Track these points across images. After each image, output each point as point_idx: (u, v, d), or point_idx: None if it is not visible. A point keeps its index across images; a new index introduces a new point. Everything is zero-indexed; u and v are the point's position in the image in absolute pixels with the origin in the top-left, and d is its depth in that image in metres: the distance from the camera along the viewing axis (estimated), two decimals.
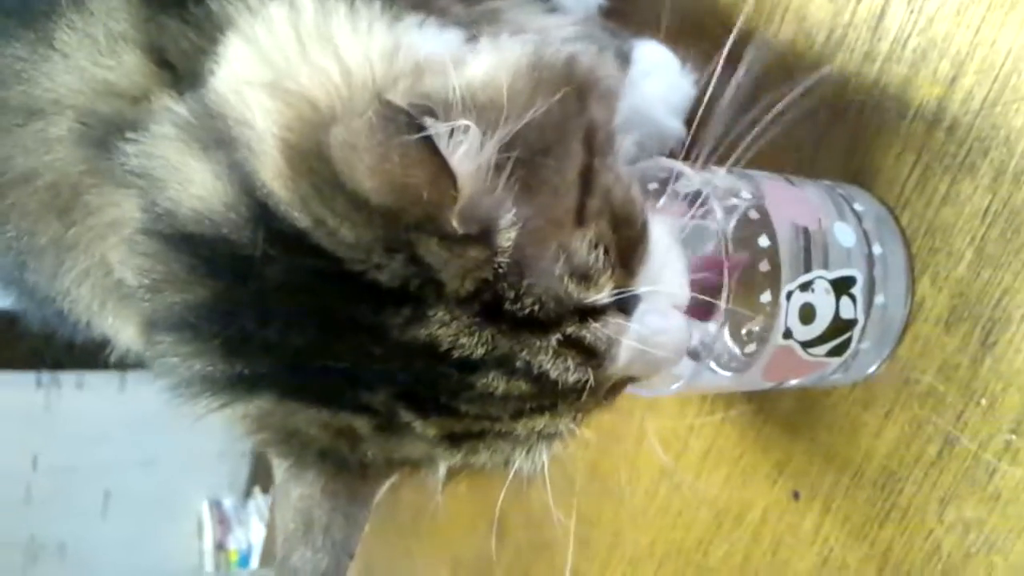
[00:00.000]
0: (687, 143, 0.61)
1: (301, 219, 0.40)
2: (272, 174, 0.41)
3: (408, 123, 0.37)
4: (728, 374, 0.54)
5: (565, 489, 0.83)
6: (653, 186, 0.56)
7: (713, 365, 0.53)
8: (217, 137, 0.43)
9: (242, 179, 0.42)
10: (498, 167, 0.42)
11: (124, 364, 0.56)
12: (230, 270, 0.42)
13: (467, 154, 0.40)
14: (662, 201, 0.55)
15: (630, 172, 0.50)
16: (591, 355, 0.44)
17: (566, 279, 0.43)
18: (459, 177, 0.39)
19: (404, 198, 0.39)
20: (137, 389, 2.49)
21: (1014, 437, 0.51)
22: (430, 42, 0.47)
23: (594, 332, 0.44)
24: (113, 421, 2.57)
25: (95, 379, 2.59)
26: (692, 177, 0.52)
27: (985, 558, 0.52)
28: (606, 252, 0.45)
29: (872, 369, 0.57)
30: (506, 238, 0.41)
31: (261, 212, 0.41)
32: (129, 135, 0.45)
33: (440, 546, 1.15)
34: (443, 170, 0.38)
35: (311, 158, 0.40)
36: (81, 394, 2.61)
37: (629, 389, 0.52)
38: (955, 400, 0.53)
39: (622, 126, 0.55)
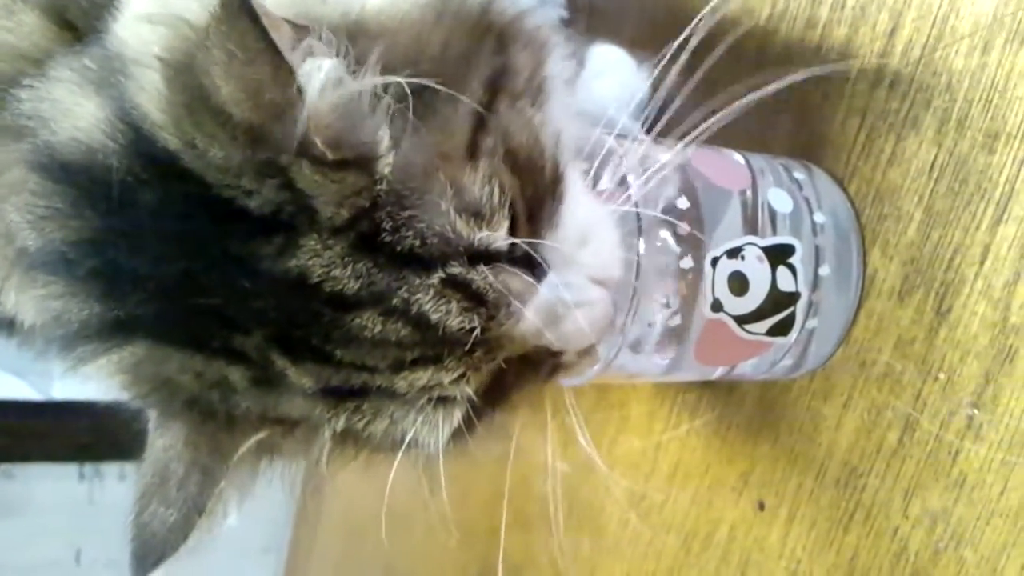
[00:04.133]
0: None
1: (171, 140, 0.38)
2: (148, 96, 0.39)
3: (253, 19, 0.34)
4: (656, 356, 0.49)
5: (545, 525, 0.78)
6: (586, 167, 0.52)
7: (643, 347, 0.49)
8: (111, 76, 0.41)
9: (120, 104, 0.39)
10: (379, 93, 0.39)
11: None
12: (106, 199, 0.39)
13: (332, 75, 0.37)
14: (606, 186, 0.51)
15: (561, 136, 0.47)
16: (479, 302, 0.40)
17: (454, 215, 0.40)
18: (309, 85, 0.36)
19: (258, 107, 0.36)
20: None
21: (975, 412, 0.45)
22: None
23: (484, 277, 0.40)
24: None
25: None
26: (614, 147, 0.48)
27: (955, 553, 0.46)
28: (501, 190, 0.41)
29: (828, 352, 0.52)
30: (385, 164, 0.39)
31: (135, 135, 0.39)
32: (24, 82, 0.43)
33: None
34: (284, 69, 0.35)
35: (185, 74, 0.37)
36: (124, 486, 2.60)
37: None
38: (913, 378, 0.48)
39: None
